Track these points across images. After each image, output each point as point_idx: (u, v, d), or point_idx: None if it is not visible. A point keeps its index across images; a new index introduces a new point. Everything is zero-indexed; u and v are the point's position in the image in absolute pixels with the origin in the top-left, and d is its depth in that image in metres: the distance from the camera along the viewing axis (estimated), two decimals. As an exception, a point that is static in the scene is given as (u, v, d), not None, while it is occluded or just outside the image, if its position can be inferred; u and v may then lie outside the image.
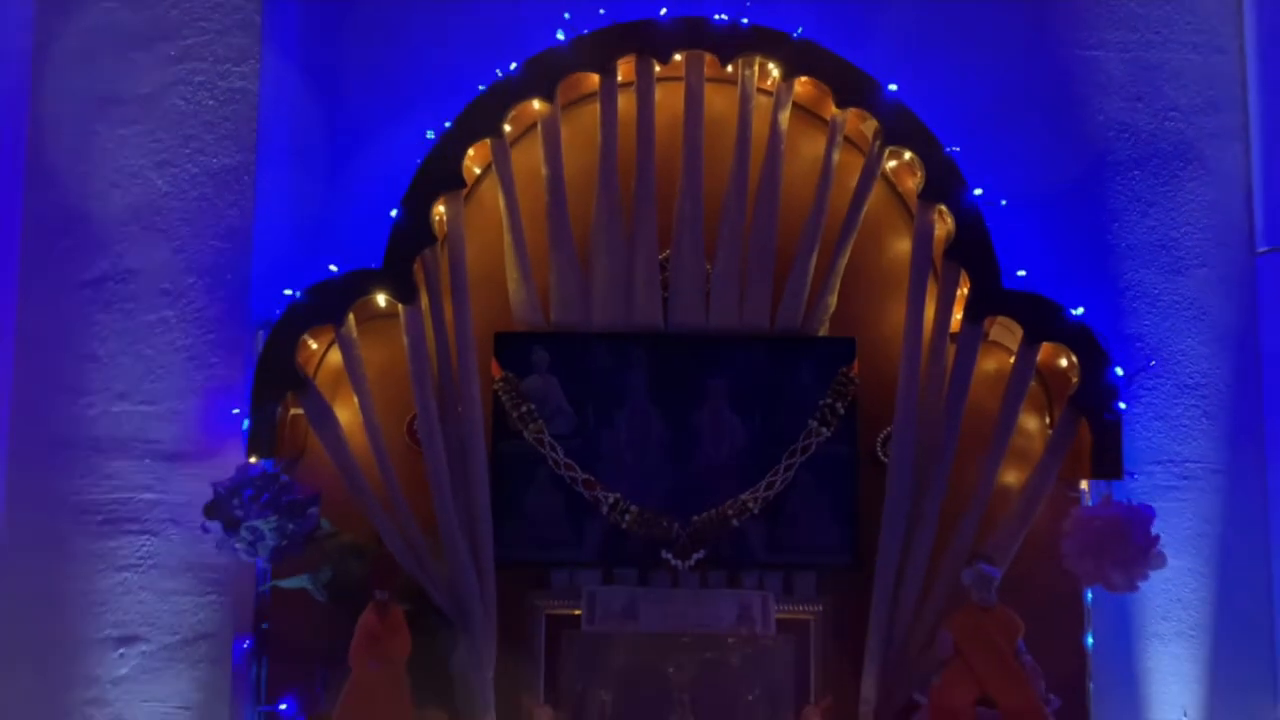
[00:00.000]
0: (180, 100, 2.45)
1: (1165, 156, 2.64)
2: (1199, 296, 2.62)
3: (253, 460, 2.29)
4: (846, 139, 2.47)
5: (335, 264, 2.38)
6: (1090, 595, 2.42)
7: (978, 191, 2.38)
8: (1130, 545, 2.24)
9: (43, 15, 2.44)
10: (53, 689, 2.35)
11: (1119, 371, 2.36)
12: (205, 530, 2.18)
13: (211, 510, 2.16)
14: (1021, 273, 2.39)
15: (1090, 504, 2.35)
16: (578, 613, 2.39)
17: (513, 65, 2.37)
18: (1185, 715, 2.56)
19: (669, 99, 2.44)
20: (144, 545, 2.38)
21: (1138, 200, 2.63)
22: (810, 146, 2.47)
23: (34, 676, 2.34)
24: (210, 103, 2.45)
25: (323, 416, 2.30)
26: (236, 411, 2.34)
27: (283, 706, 2.40)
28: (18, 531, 2.37)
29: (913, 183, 2.41)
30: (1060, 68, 2.65)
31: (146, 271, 2.44)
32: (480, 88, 2.36)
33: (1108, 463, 2.32)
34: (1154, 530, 2.25)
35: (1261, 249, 2.60)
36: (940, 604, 2.31)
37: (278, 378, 2.28)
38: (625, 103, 2.44)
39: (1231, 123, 2.65)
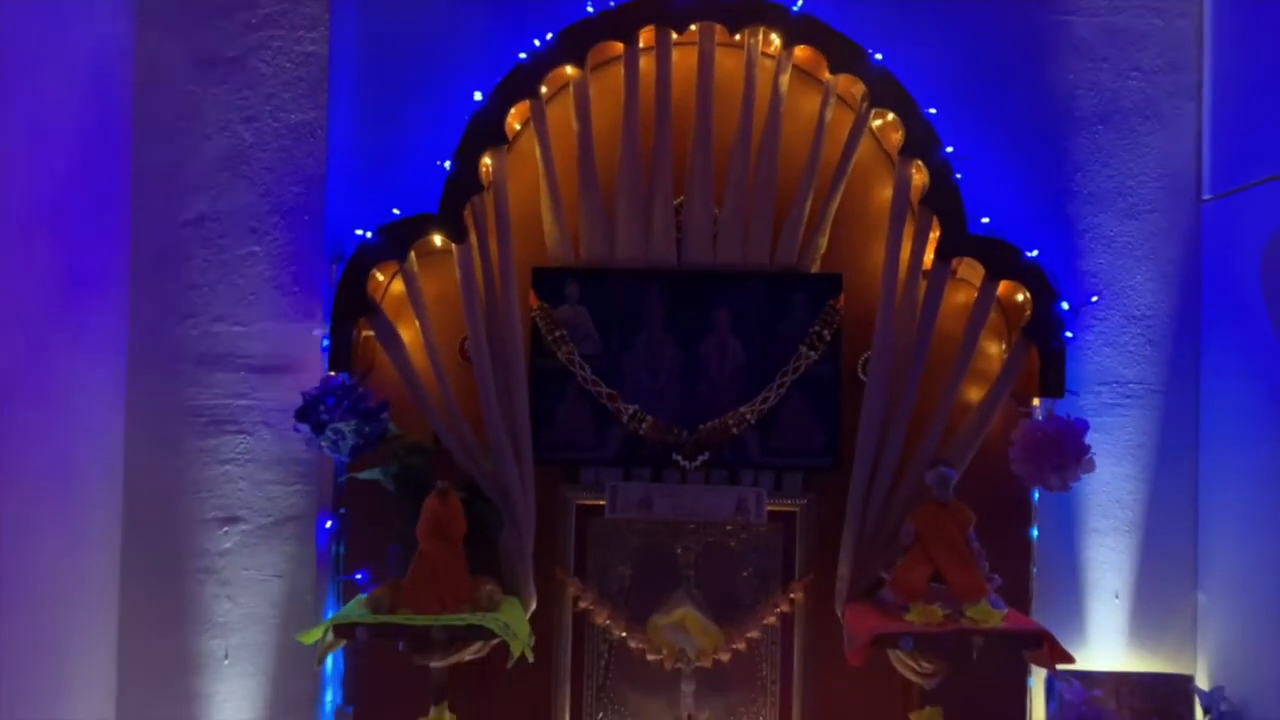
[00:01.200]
0: (261, 63, 2.62)
1: (1126, 113, 2.81)
2: (1150, 238, 2.81)
3: (332, 374, 2.53)
4: (839, 98, 2.64)
5: (397, 207, 2.61)
6: (1037, 495, 2.66)
7: (949, 149, 2.56)
8: (1066, 453, 2.47)
9: (142, -12, 2.61)
10: (173, 559, 2.62)
11: (1065, 306, 2.57)
12: (297, 430, 2.43)
13: (302, 414, 2.41)
14: (985, 220, 2.61)
15: (1036, 418, 2.56)
16: (602, 503, 2.59)
17: (549, 35, 2.55)
18: (1117, 597, 2.76)
19: (684, 60, 2.62)
20: (242, 443, 2.62)
21: (1100, 152, 2.81)
22: (808, 105, 2.64)
23: (158, 549, 2.62)
24: (287, 65, 2.62)
25: (390, 337, 2.55)
26: (318, 333, 2.60)
27: (358, 576, 2.60)
28: (139, 433, 2.63)
29: (895, 139, 2.60)
30: (1035, 32, 2.81)
31: (237, 212, 2.63)
32: (521, 55, 2.55)
33: (1052, 384, 2.56)
34: (1087, 441, 2.46)
35: (1207, 196, 2.80)
36: (906, 499, 2.54)
37: (352, 305, 2.53)
38: (645, 64, 2.61)
39: (1187, 82, 2.81)
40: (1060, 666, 2.42)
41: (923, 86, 2.64)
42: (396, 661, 2.43)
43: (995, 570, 2.52)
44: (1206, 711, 2.63)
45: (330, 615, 2.56)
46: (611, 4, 2.59)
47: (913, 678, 2.47)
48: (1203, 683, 2.73)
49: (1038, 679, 2.68)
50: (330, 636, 2.35)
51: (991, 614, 2.38)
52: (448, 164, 2.57)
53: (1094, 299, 2.75)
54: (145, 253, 2.63)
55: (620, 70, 2.62)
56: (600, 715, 2.66)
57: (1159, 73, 2.82)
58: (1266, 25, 2.60)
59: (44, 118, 2.26)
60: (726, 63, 2.63)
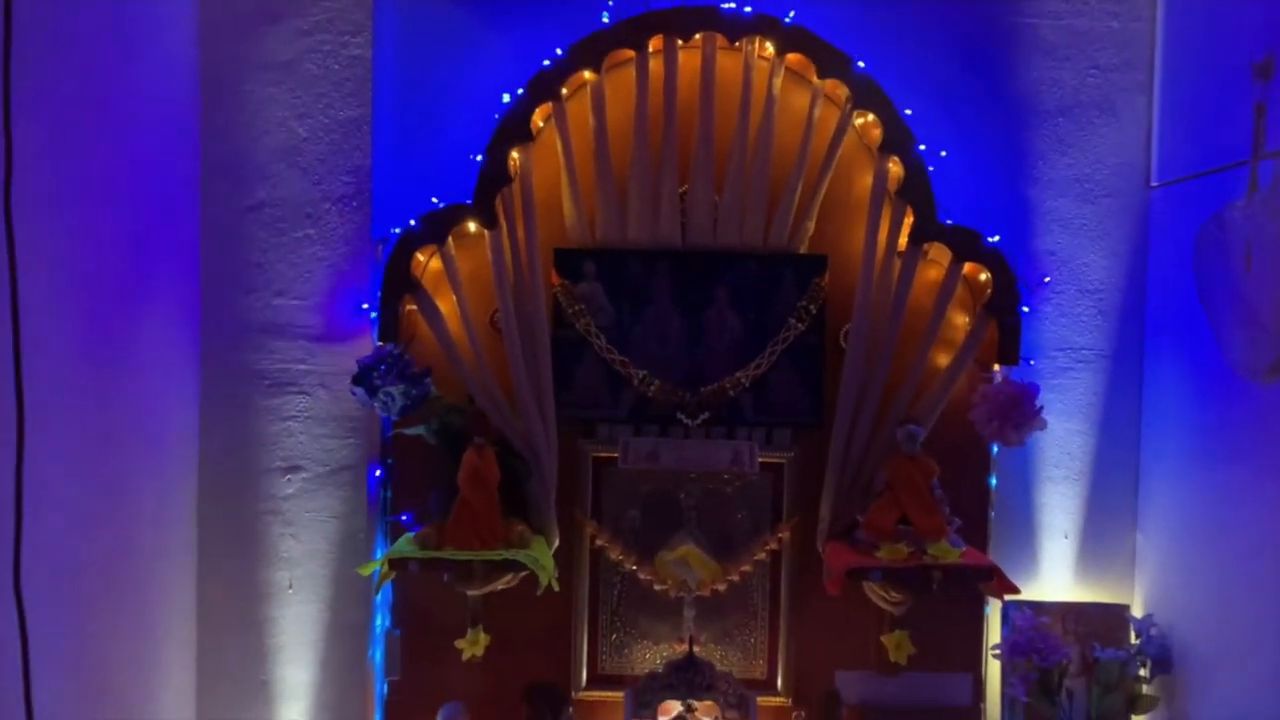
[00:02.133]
0: (312, 65, 2.77)
1: (1085, 106, 2.99)
2: (1103, 220, 3.00)
3: (381, 344, 2.76)
4: (826, 98, 2.84)
5: (434, 195, 2.80)
6: (996, 449, 2.91)
7: (922, 147, 2.78)
8: (1023, 413, 2.72)
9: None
10: (243, 502, 2.81)
11: (1021, 286, 2.82)
12: (353, 394, 2.64)
13: (357, 380, 2.62)
14: (956, 204, 2.83)
15: (995, 382, 2.81)
16: (615, 455, 2.76)
17: (568, 44, 2.75)
18: (1066, 537, 3.00)
19: (689, 63, 2.81)
20: (301, 402, 2.81)
21: (1060, 142, 2.99)
22: (798, 103, 2.83)
23: (230, 494, 2.82)
24: (335, 67, 2.77)
25: (431, 311, 2.77)
26: (366, 306, 2.81)
27: (403, 518, 2.78)
28: (211, 393, 2.81)
29: (875, 136, 2.82)
30: (1004, 34, 2.98)
31: (293, 200, 2.78)
32: (545, 62, 2.75)
33: (1010, 353, 2.81)
34: (1039, 402, 2.71)
35: (1154, 184, 3.00)
36: (879, 453, 2.75)
37: (398, 283, 2.75)
38: (655, 66, 2.78)
39: (1140, 79, 3.00)
40: (1007, 596, 2.69)
41: (903, 84, 2.84)
42: (437, 590, 2.69)
43: (957, 514, 2.74)
44: (1138, 635, 2.89)
45: (379, 551, 2.81)
46: (624, 15, 2.78)
47: (883, 605, 2.70)
48: (1137, 611, 2.95)
49: (994, 607, 2.90)
50: (386, 569, 2.58)
51: (950, 551, 2.60)
52: (479, 158, 2.77)
53: (1047, 279, 2.99)
54: (213, 235, 2.78)
55: (632, 72, 2.80)
56: (614, 636, 2.91)
57: (1115, 71, 2.99)
58: (1210, 30, 2.79)
59: (123, 118, 2.41)
60: (726, 66, 2.76)
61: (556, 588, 2.67)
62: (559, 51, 2.79)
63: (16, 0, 1.82)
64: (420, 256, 2.81)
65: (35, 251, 1.99)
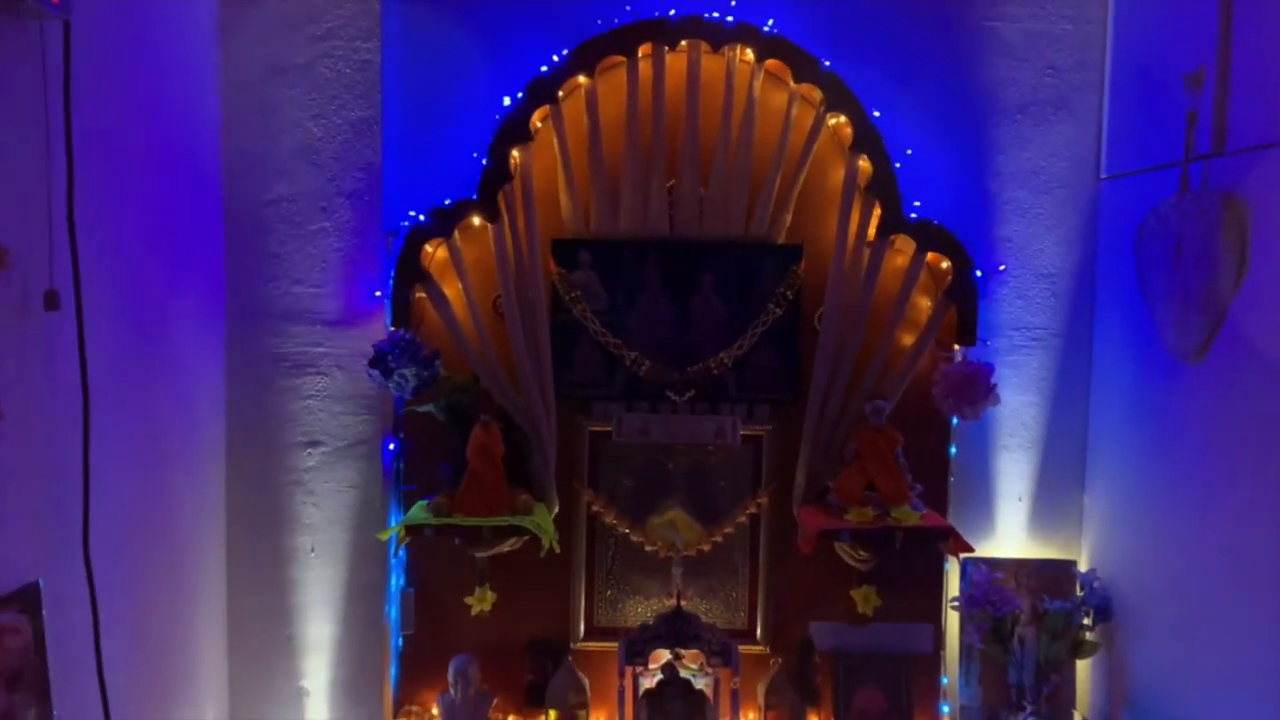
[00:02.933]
0: (325, 69, 2.92)
1: (1042, 104, 3.17)
2: (1056, 210, 3.19)
3: (393, 328, 2.93)
4: (803, 99, 3.03)
5: (438, 189, 2.98)
6: (956, 421, 3.12)
7: (889, 146, 2.97)
8: (978, 390, 2.94)
9: (225, 6, 2.93)
10: (268, 475, 2.97)
11: (979, 274, 3.05)
12: (370, 376, 2.82)
13: (374, 363, 2.79)
14: (917, 203, 3.04)
15: (955, 362, 3.02)
16: (610, 430, 2.93)
17: (565, 51, 2.93)
18: (1020, 500, 3.20)
19: (676, 66, 2.98)
20: (319, 382, 2.97)
21: (1019, 138, 3.17)
22: (777, 103, 3.00)
23: (256, 467, 2.97)
24: (347, 70, 2.93)
25: (439, 297, 2.96)
26: (379, 294, 2.98)
27: (415, 487, 2.96)
28: (237, 374, 2.98)
29: (847, 135, 3.01)
30: (966, 36, 3.16)
31: (309, 195, 2.93)
32: (543, 68, 2.93)
33: (968, 334, 3.03)
34: (994, 380, 2.94)
35: (1104, 176, 3.19)
36: (849, 425, 2.93)
37: (409, 274, 2.94)
38: (645, 69, 2.96)
39: (1093, 79, 3.17)
40: (963, 554, 2.93)
41: (873, 84, 3.03)
42: (448, 552, 2.87)
43: (920, 480, 2.94)
44: (1083, 588, 3.13)
45: (393, 518, 2.97)
46: (616, 22, 2.95)
47: (852, 563, 2.91)
48: (1083, 566, 3.15)
49: (952, 564, 3.10)
50: (403, 534, 2.77)
51: (911, 515, 2.81)
52: (483, 159, 2.94)
53: (1001, 267, 3.20)
54: (236, 228, 2.93)
55: (624, 76, 2.94)
56: (609, 593, 3.09)
57: (1070, 70, 3.16)
58: (1153, 37, 2.98)
59: (149, 119, 2.55)
60: (710, 70, 2.93)
61: (557, 550, 2.85)
62: (556, 58, 2.97)
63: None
64: (428, 247, 2.97)
65: (90, 255, 2.19)
